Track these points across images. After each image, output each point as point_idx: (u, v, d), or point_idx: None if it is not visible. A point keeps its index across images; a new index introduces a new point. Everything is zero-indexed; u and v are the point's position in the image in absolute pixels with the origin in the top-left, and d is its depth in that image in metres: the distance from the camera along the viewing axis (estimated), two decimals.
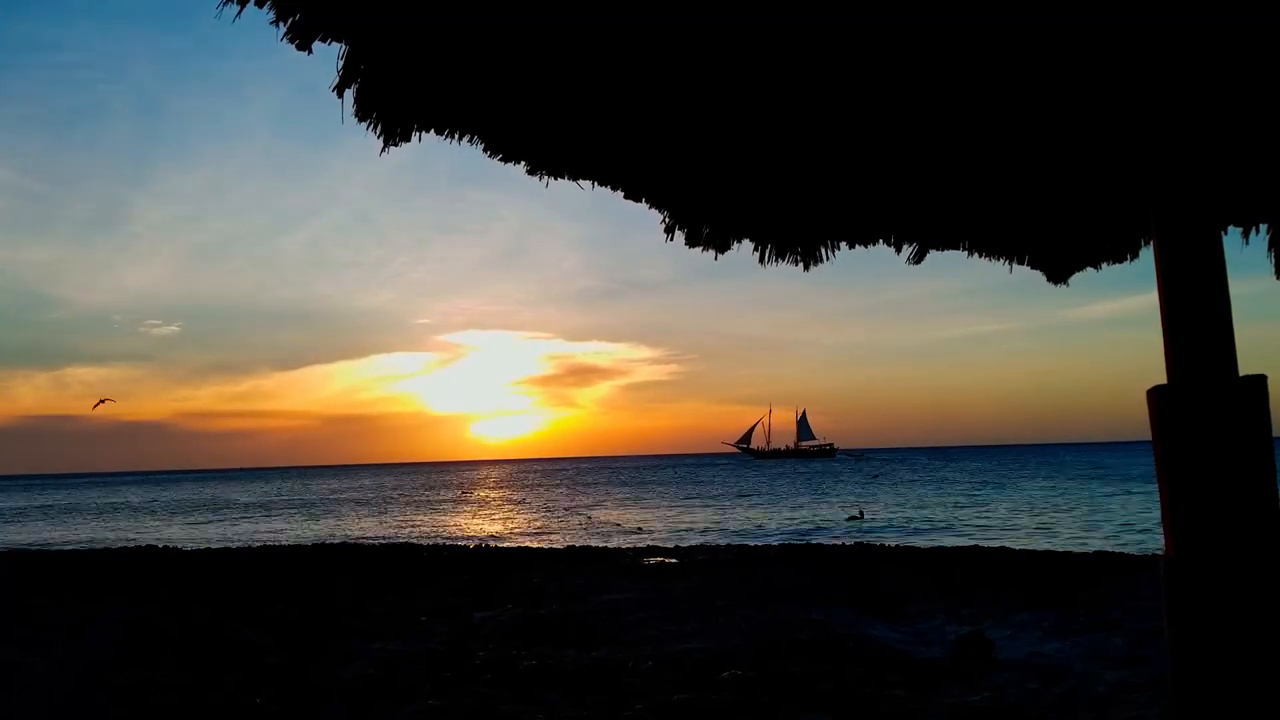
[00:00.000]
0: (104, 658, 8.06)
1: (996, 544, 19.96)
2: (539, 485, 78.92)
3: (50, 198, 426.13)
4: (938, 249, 2.87)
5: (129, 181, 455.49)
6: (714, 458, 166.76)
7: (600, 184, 2.43)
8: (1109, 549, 19.17)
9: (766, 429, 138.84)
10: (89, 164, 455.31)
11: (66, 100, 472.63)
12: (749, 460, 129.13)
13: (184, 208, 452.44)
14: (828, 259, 2.79)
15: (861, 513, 33.84)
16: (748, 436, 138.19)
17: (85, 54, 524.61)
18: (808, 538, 24.55)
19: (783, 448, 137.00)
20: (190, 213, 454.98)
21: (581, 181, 2.41)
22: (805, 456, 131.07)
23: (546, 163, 2.33)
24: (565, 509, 44.18)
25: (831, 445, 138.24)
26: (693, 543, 22.79)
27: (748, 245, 2.76)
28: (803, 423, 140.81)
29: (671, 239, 2.66)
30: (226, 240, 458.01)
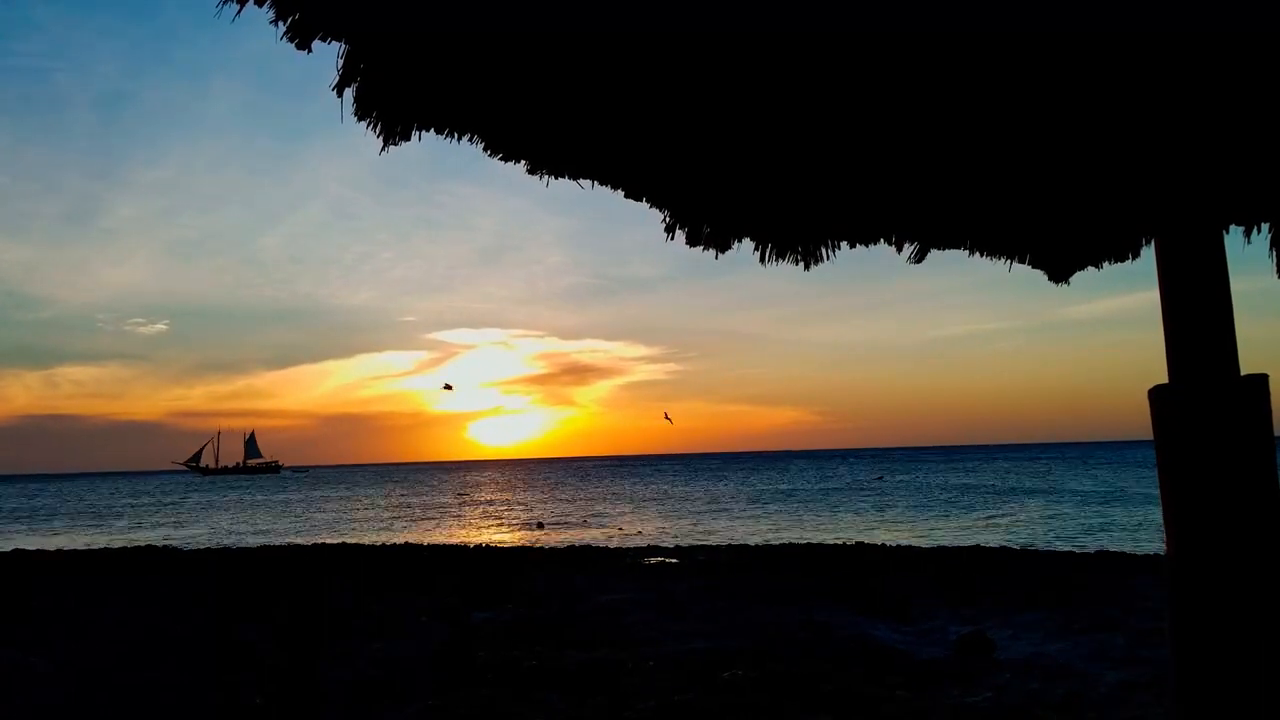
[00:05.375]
0: (104, 658, 8.06)
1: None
2: (540, 486, 78.90)
3: (18, 193, 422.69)
4: (939, 248, 2.86)
5: (97, 176, 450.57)
6: (168, 474, 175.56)
7: (601, 183, 2.43)
8: (1110, 548, 19.18)
9: (216, 449, 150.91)
10: (54, 158, 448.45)
11: (23, 89, 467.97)
12: (197, 477, 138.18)
13: (157, 203, 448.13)
14: (828, 258, 2.79)
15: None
16: (198, 456, 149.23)
17: (40, 42, 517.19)
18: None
19: (232, 465, 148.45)
20: (164, 208, 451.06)
21: (582, 181, 2.40)
22: (253, 472, 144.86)
23: (547, 162, 2.32)
24: (564, 510, 44.15)
25: (277, 462, 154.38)
26: (692, 543, 22.79)
27: (747, 244, 2.75)
28: (250, 442, 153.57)
29: (672, 238, 2.65)
30: (203, 236, 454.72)
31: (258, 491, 76.81)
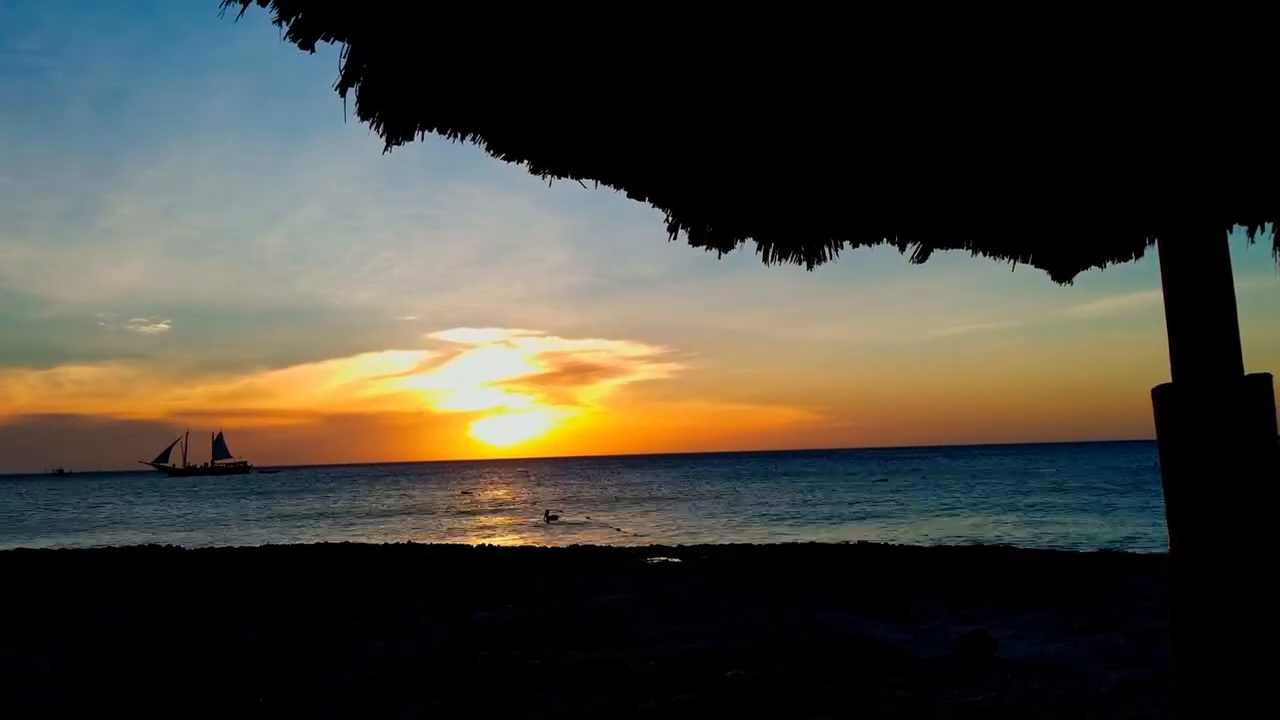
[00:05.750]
0: (104, 658, 8.06)
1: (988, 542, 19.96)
2: (540, 486, 78.91)
3: (18, 191, 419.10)
4: (941, 248, 2.86)
5: (96, 175, 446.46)
6: (138, 474, 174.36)
7: (603, 183, 2.43)
8: (1112, 548, 19.17)
9: (184, 449, 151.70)
10: (54, 157, 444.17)
11: (21, 87, 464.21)
12: (164, 476, 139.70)
13: (157, 202, 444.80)
14: (831, 258, 2.79)
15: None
16: (165, 455, 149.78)
17: (36, 40, 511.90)
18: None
19: (199, 465, 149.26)
20: (163, 207, 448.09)
21: (584, 181, 2.40)
22: (221, 473, 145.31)
23: (550, 162, 2.32)
24: (566, 509, 44.16)
25: (245, 463, 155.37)
26: (694, 542, 22.79)
27: (750, 243, 2.75)
28: (219, 443, 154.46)
29: (675, 238, 2.65)
30: (204, 235, 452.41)
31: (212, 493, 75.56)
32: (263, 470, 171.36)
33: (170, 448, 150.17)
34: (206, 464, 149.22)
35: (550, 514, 37.97)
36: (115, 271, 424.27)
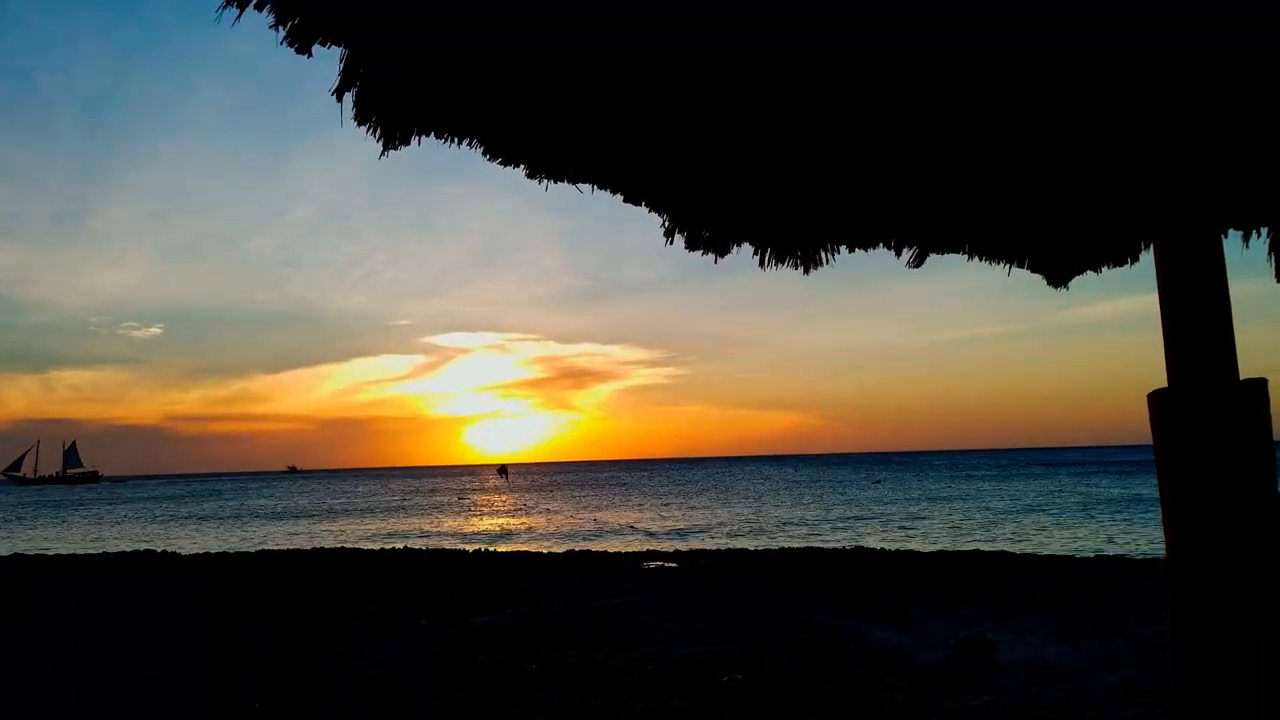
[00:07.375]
0: (104, 658, 8.06)
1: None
2: (539, 489, 78.89)
3: (5, 194, 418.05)
4: (938, 252, 2.86)
5: (86, 178, 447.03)
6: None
7: (600, 187, 2.43)
8: (1109, 552, 19.16)
9: (35, 458, 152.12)
10: (40, 160, 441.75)
11: (4, 87, 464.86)
12: (13, 486, 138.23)
13: (147, 205, 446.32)
14: (828, 262, 2.79)
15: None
16: (18, 464, 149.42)
17: (19, 41, 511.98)
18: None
19: (50, 474, 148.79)
20: (154, 210, 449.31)
21: (581, 185, 2.40)
22: (72, 482, 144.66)
23: (547, 166, 2.32)
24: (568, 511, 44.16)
25: (96, 471, 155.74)
26: (694, 546, 22.79)
27: (746, 248, 2.75)
28: (70, 452, 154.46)
29: (671, 242, 2.65)
30: (195, 238, 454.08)
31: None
32: (113, 480, 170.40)
33: (23, 456, 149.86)
34: (57, 473, 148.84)
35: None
36: (107, 275, 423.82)
